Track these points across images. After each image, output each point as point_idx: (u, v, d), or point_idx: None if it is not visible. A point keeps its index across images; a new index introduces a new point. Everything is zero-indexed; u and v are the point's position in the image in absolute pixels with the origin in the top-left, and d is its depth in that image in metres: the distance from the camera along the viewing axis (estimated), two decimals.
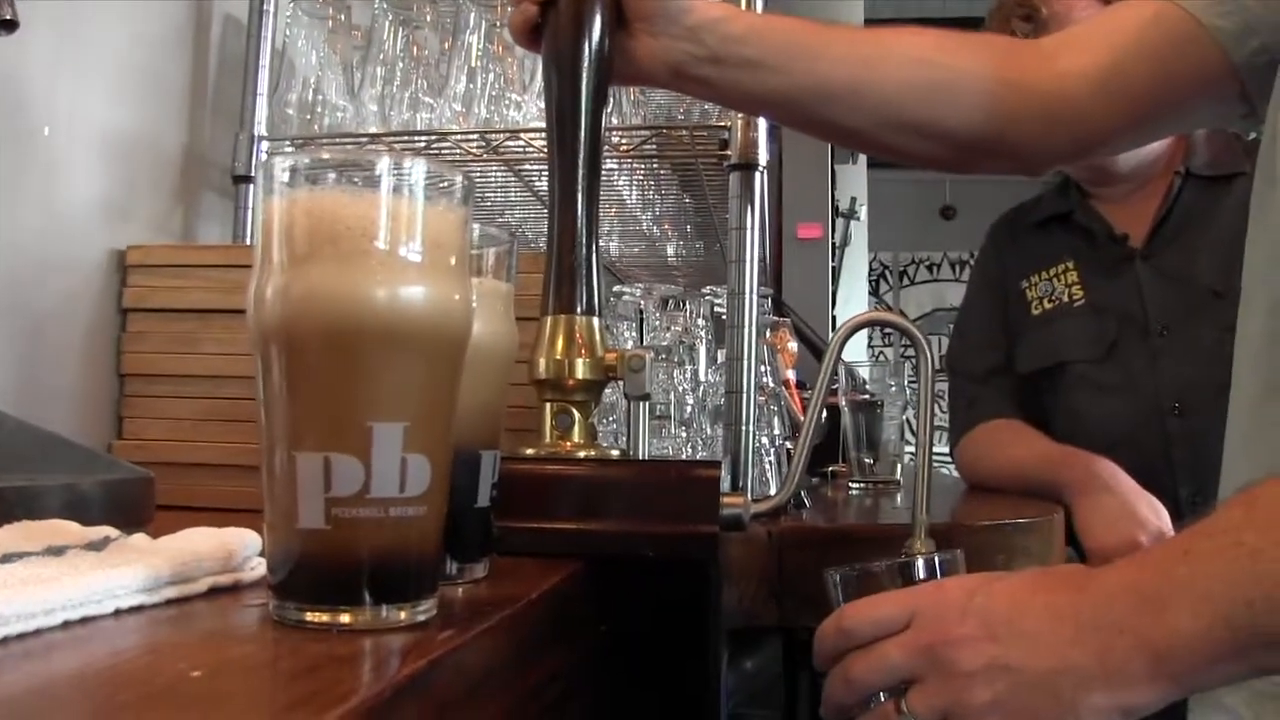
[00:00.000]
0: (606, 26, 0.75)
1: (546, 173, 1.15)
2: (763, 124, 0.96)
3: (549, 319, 0.71)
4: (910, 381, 1.37)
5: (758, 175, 0.95)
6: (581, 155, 0.73)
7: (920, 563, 0.64)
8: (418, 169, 0.42)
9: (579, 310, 0.70)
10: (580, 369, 0.69)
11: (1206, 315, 1.25)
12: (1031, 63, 0.80)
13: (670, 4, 0.75)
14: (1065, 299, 1.37)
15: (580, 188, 0.72)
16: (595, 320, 0.71)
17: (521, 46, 0.79)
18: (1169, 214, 1.32)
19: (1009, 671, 0.53)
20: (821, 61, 0.77)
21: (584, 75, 0.73)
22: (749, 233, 0.93)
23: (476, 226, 0.53)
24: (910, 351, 0.73)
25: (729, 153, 0.95)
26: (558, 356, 0.69)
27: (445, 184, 0.43)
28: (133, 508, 0.68)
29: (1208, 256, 1.28)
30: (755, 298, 0.93)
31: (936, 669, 0.55)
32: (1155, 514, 1.15)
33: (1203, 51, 0.73)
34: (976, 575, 0.59)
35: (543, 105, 1.04)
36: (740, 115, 0.95)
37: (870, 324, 0.75)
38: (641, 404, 0.72)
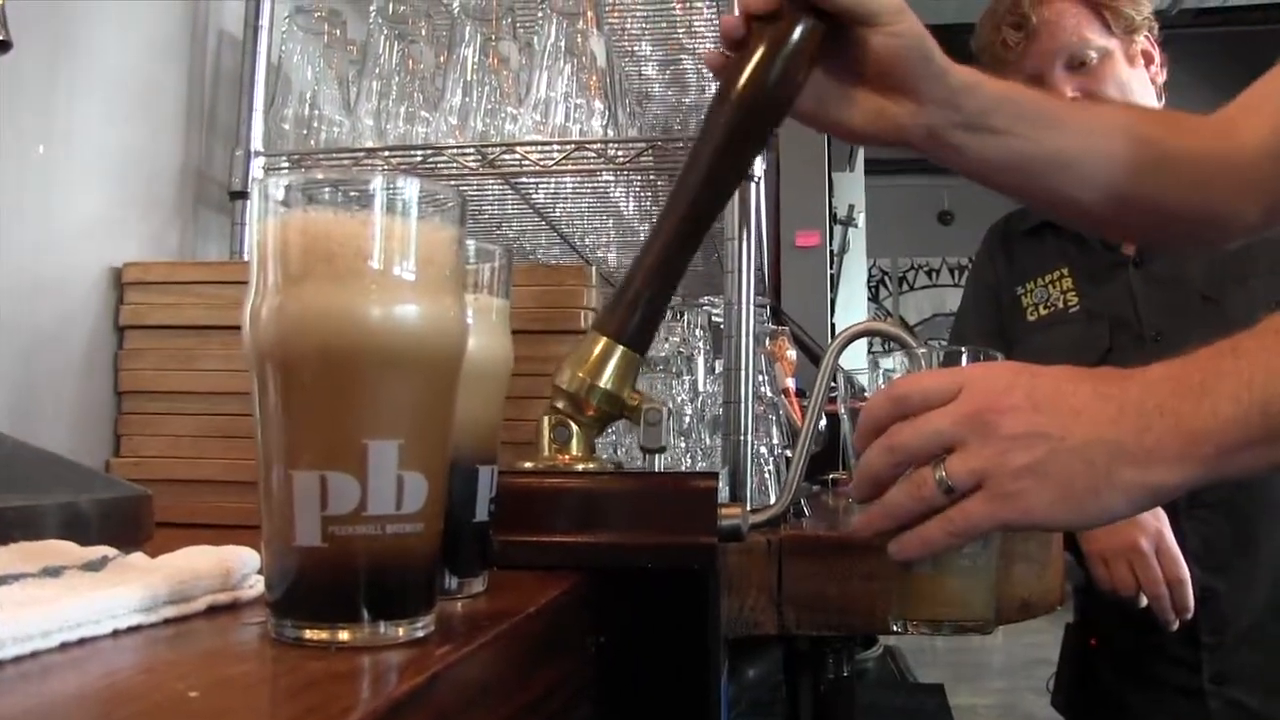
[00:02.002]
0: (790, 79, 0.72)
1: (540, 186, 1.16)
2: None
3: (594, 335, 0.70)
4: None
5: (752, 186, 0.95)
6: (700, 199, 0.71)
7: (964, 355, 0.66)
8: (411, 187, 0.42)
9: (625, 341, 0.69)
10: (599, 398, 0.69)
11: (1199, 321, 1.26)
12: (1220, 136, 0.81)
13: (933, 68, 0.74)
14: (1060, 305, 1.38)
15: (685, 228, 0.70)
16: (635, 358, 0.70)
17: (714, 75, 0.75)
18: None
19: (1049, 439, 0.55)
20: (1060, 131, 0.78)
21: (735, 124, 0.71)
22: (744, 243, 0.94)
23: (471, 242, 0.53)
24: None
25: None
26: (583, 375, 0.69)
27: (438, 201, 0.43)
28: (131, 526, 0.68)
29: (1199, 263, 1.28)
30: (752, 308, 0.93)
31: (979, 434, 0.56)
32: (1154, 515, 1.15)
33: None
34: (1021, 364, 0.61)
35: (538, 118, 1.04)
36: None
37: (865, 334, 0.75)
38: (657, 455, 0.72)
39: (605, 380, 0.69)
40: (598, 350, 0.69)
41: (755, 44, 0.71)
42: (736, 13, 0.73)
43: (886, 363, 0.68)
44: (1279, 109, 0.79)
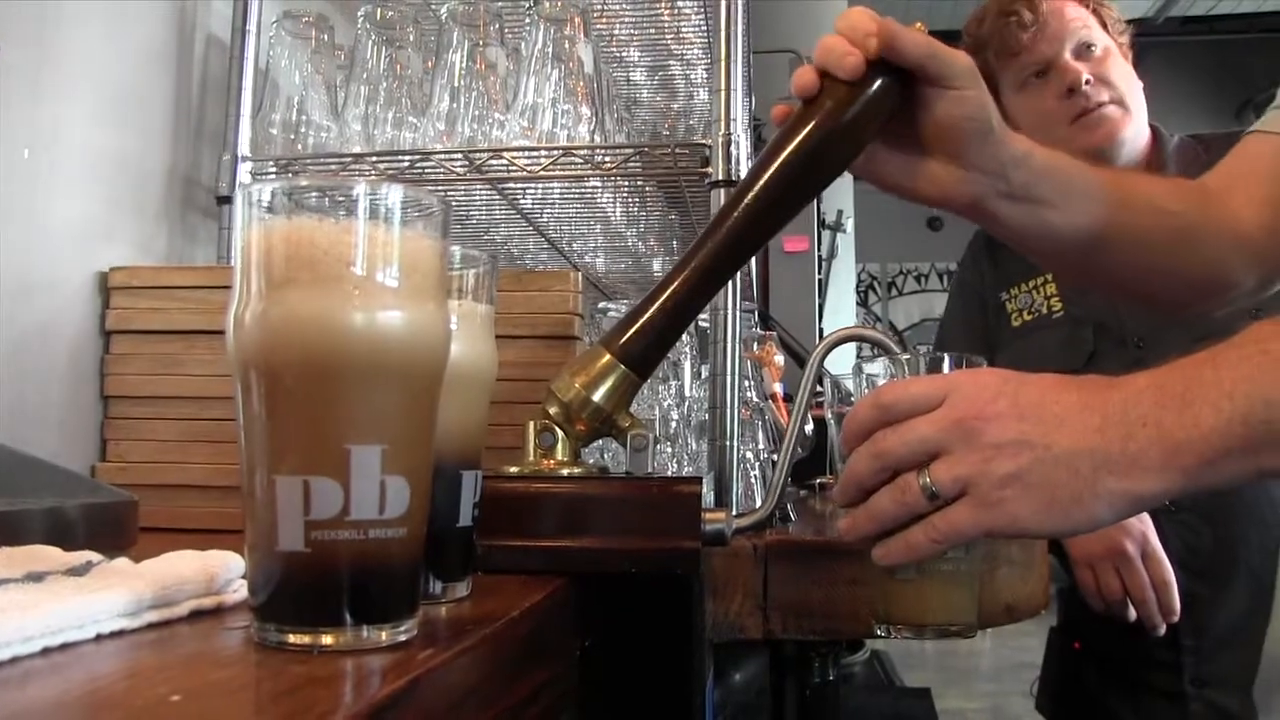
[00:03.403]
0: (856, 144, 0.72)
1: (528, 191, 1.17)
2: (744, 142, 0.97)
3: (600, 350, 0.70)
4: None
5: None
6: (731, 239, 0.70)
7: (947, 360, 0.66)
8: (394, 194, 0.42)
9: (629, 363, 0.69)
10: (591, 414, 0.69)
11: (1180, 326, 1.27)
12: (1223, 208, 0.83)
13: (991, 137, 0.73)
14: (1044, 311, 1.39)
15: (721, 265, 0.70)
16: (634, 381, 0.70)
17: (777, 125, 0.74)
18: None
19: (1033, 447, 0.55)
20: (1094, 204, 0.79)
21: (804, 176, 0.71)
22: None
23: (456, 248, 0.54)
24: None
25: (710, 170, 0.96)
26: (579, 388, 0.69)
27: (422, 208, 0.44)
28: (116, 531, 0.68)
29: None
30: (738, 314, 0.93)
31: (964, 441, 0.57)
32: (1139, 518, 1.16)
33: None
34: (1007, 370, 0.61)
35: (525, 124, 1.05)
36: (721, 133, 0.96)
37: (849, 340, 0.76)
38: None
39: (601, 396, 0.69)
40: (600, 365, 0.69)
41: (826, 99, 0.70)
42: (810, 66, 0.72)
43: (871, 368, 0.69)
44: (1260, 184, 0.82)
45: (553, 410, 0.70)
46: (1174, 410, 0.54)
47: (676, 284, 0.70)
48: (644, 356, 0.70)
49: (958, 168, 0.74)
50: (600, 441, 0.98)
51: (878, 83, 0.70)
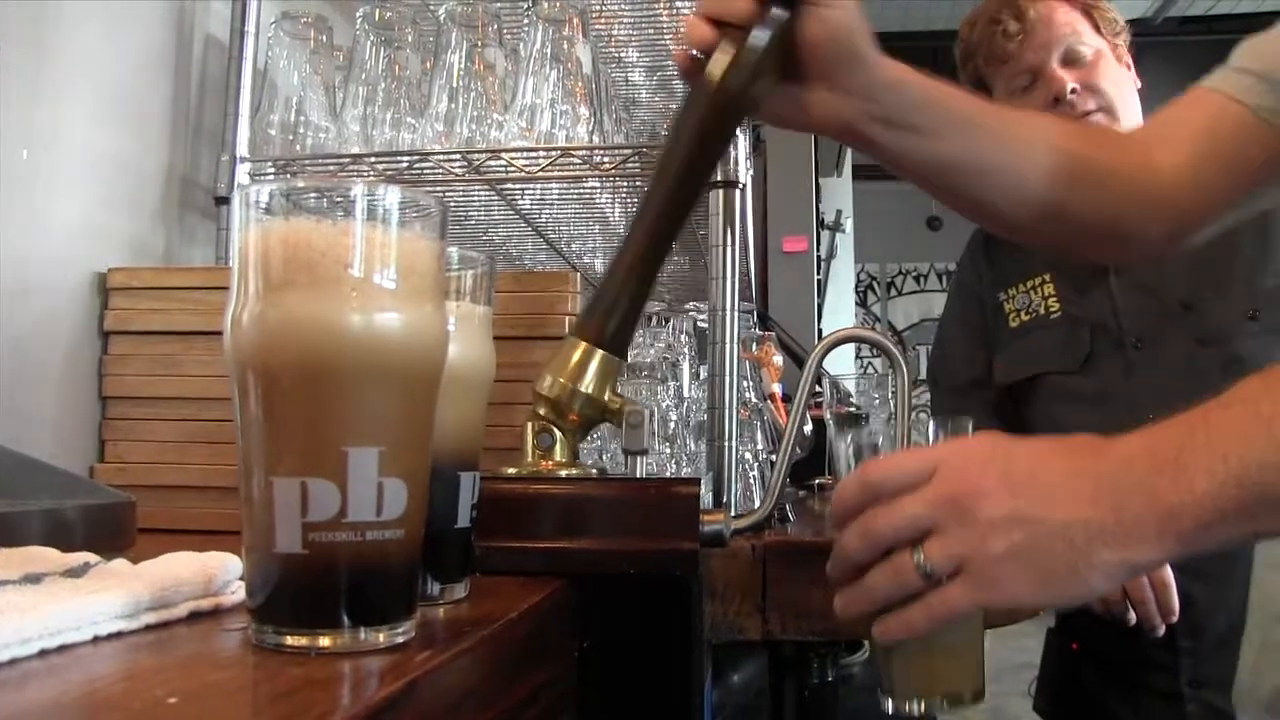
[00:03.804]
0: (754, 81, 0.72)
1: (526, 191, 1.17)
2: (743, 143, 0.97)
3: (573, 341, 0.70)
4: (894, 393, 1.38)
5: (737, 193, 0.96)
6: (674, 201, 0.71)
7: (931, 423, 0.65)
8: (392, 196, 0.42)
9: (604, 345, 0.70)
10: (581, 404, 0.69)
11: (1177, 327, 1.27)
12: (1137, 154, 0.82)
13: (857, 59, 0.74)
14: (1042, 311, 1.39)
15: (660, 232, 0.71)
16: (615, 362, 0.70)
17: (682, 79, 0.76)
18: None
19: (1027, 522, 0.55)
20: (977, 135, 0.78)
21: (708, 128, 0.72)
22: (729, 250, 0.94)
23: (454, 249, 0.54)
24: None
25: None
26: (564, 381, 0.69)
27: (420, 210, 0.44)
28: (114, 532, 0.67)
29: (1178, 271, 1.30)
30: (737, 314, 0.93)
31: (956, 518, 0.56)
32: None
33: (1261, 134, 0.77)
34: (996, 436, 0.60)
35: (523, 124, 1.05)
36: None
37: (847, 341, 0.76)
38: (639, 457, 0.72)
39: (586, 385, 0.69)
40: (577, 356, 0.69)
41: (727, 46, 0.71)
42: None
43: (855, 435, 0.67)
44: (1190, 138, 0.81)
45: (543, 411, 0.70)
46: (1167, 475, 0.53)
47: (628, 260, 0.71)
48: (616, 335, 0.70)
49: (830, 91, 0.75)
50: (599, 442, 0.99)
51: (770, 13, 0.71)
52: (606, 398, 0.70)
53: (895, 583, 0.57)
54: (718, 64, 0.71)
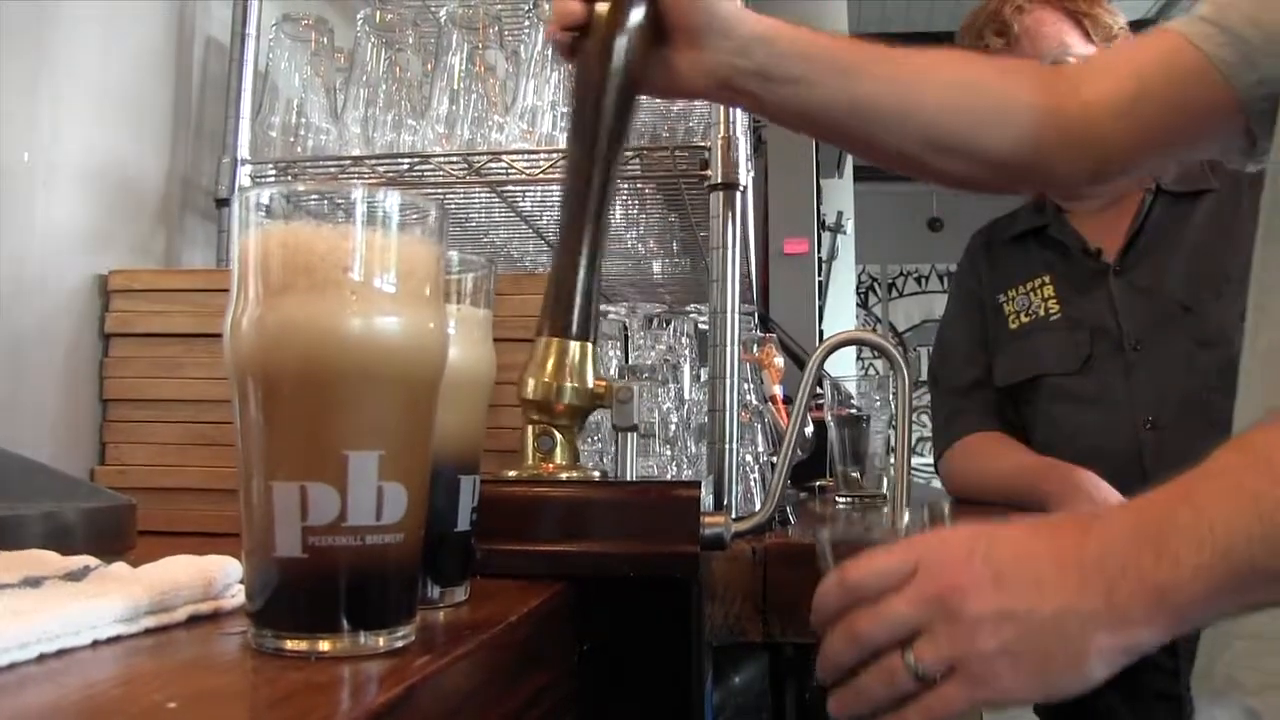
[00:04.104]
0: (637, 49, 0.74)
1: (527, 194, 1.17)
2: (743, 144, 0.97)
3: (542, 340, 0.71)
4: (895, 395, 1.37)
5: (738, 195, 0.96)
6: (595, 181, 0.72)
7: (907, 514, 0.64)
8: (392, 200, 0.42)
9: (573, 334, 0.70)
10: (568, 395, 0.69)
11: (1177, 329, 1.27)
12: (1062, 89, 0.81)
13: (718, 17, 0.75)
14: (1042, 313, 1.38)
15: (590, 213, 0.72)
16: (588, 346, 0.71)
17: (563, 62, 0.78)
18: (1141, 229, 1.34)
19: (1016, 617, 0.53)
20: (864, 80, 0.78)
21: (606, 102, 0.73)
22: (730, 252, 0.94)
23: (454, 253, 0.54)
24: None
25: (709, 172, 0.96)
26: (546, 379, 0.69)
27: (419, 214, 0.44)
28: (114, 535, 0.67)
29: (1177, 271, 1.29)
30: (738, 316, 0.93)
31: (944, 618, 0.54)
32: None
33: (1211, 83, 0.76)
34: (976, 525, 0.59)
35: (524, 126, 1.05)
36: (721, 136, 0.96)
37: (847, 343, 0.76)
38: (630, 434, 0.73)
39: (568, 377, 0.69)
40: (551, 352, 0.70)
41: (600, 23, 0.73)
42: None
43: (825, 535, 0.65)
44: (1132, 69, 0.79)
45: (534, 415, 0.70)
46: (1152, 553, 0.52)
47: (572, 247, 0.71)
48: (582, 321, 0.71)
49: (698, 52, 0.75)
50: (601, 445, 0.99)
51: None
52: (591, 383, 0.70)
53: (888, 686, 0.56)
54: (599, 41, 0.73)
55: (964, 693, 0.54)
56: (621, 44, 0.73)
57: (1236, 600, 0.53)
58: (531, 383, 0.70)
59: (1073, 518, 0.57)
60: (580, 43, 0.74)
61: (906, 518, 0.63)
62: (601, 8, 0.73)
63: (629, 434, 0.73)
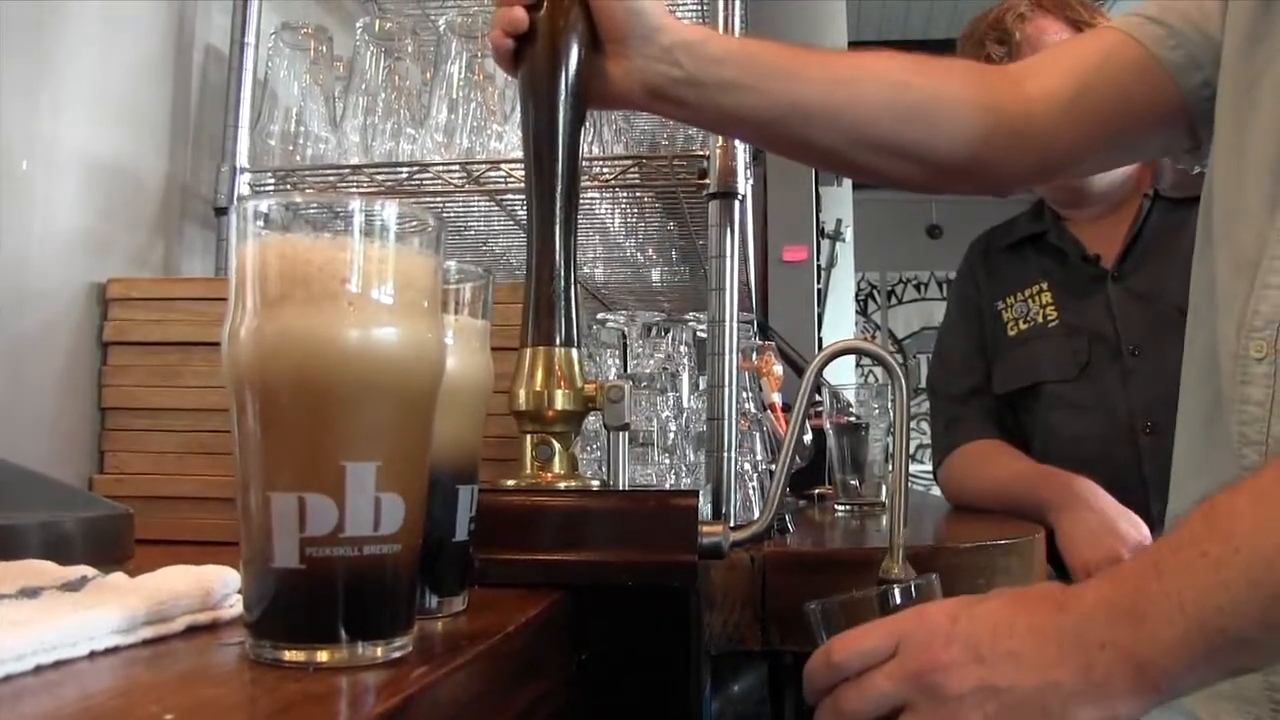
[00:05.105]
0: (582, 54, 0.74)
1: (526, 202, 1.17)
2: (741, 153, 0.97)
3: (528, 350, 0.71)
4: (893, 403, 1.37)
5: (737, 203, 0.96)
6: (559, 186, 0.73)
7: (897, 591, 0.64)
8: (389, 211, 0.42)
9: (558, 341, 0.71)
10: (559, 400, 0.69)
11: (1175, 335, 1.26)
12: (1002, 85, 0.81)
13: (644, 25, 0.75)
14: (1040, 320, 1.39)
15: (558, 218, 0.73)
16: (574, 351, 0.71)
17: (505, 72, 0.78)
18: (1139, 235, 1.34)
19: (997, 693, 0.54)
20: (797, 82, 0.78)
21: (560, 105, 0.73)
22: (729, 260, 0.94)
23: (452, 263, 0.54)
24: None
25: (708, 181, 0.96)
26: (537, 388, 0.70)
27: (416, 225, 0.44)
28: (113, 545, 0.67)
29: (1175, 277, 1.29)
30: (736, 325, 0.93)
31: (926, 695, 0.56)
32: (1135, 529, 1.16)
33: (1156, 82, 0.76)
34: (956, 599, 0.60)
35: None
36: (719, 144, 0.96)
37: (844, 353, 0.76)
38: (621, 434, 0.73)
39: (556, 383, 0.69)
40: (538, 361, 0.70)
41: (542, 28, 0.74)
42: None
43: (815, 608, 0.65)
44: (1075, 65, 0.80)
45: (528, 426, 0.70)
46: (1128, 627, 0.53)
47: (546, 257, 0.72)
48: (565, 328, 0.71)
49: (627, 60, 0.75)
50: (599, 453, 0.98)
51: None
52: (581, 388, 0.70)
53: None
54: (545, 50, 0.74)
55: None
56: (568, 49, 0.74)
57: (1219, 668, 0.53)
58: (522, 393, 0.70)
59: (1049, 591, 0.58)
60: (524, 50, 0.75)
61: (898, 596, 0.64)
62: (543, 14, 0.74)
63: (621, 435, 0.73)
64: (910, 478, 0.75)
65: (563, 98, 0.74)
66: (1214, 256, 0.71)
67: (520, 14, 0.74)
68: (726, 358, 0.92)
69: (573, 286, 0.73)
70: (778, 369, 1.40)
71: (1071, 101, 0.79)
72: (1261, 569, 0.50)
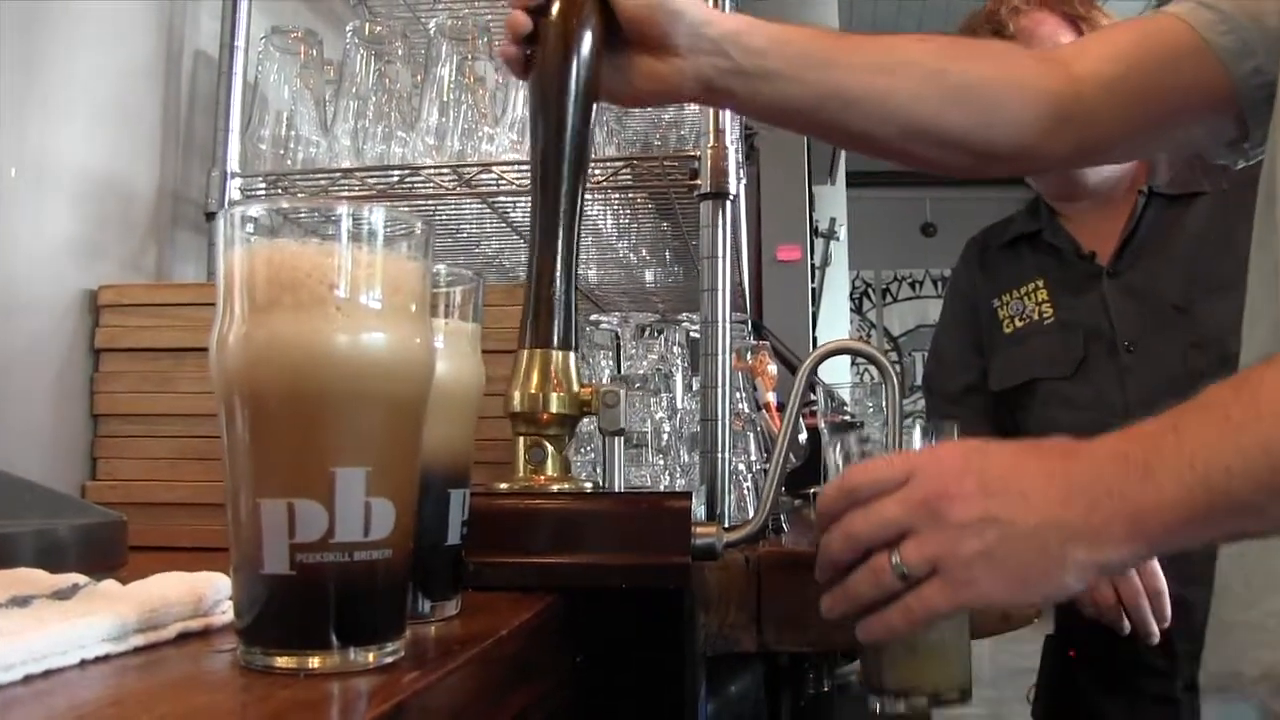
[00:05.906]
0: (592, 60, 0.74)
1: (518, 204, 1.17)
2: (733, 153, 0.97)
3: (525, 352, 0.71)
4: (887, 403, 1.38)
5: (729, 204, 0.96)
6: (564, 192, 0.72)
7: (918, 429, 0.67)
8: (377, 216, 0.42)
9: (555, 344, 0.70)
10: (554, 404, 0.69)
11: (1171, 331, 1.27)
12: (1045, 66, 0.82)
13: (687, 22, 0.75)
14: (1035, 317, 1.39)
15: (561, 223, 0.72)
16: (571, 355, 0.71)
17: (516, 77, 0.78)
18: (1134, 232, 1.34)
19: (999, 524, 0.56)
20: (838, 70, 0.78)
21: (569, 110, 0.73)
22: (721, 261, 0.94)
23: (442, 266, 0.54)
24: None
25: (700, 181, 0.96)
26: (532, 391, 0.69)
27: (404, 229, 0.44)
28: (105, 551, 0.67)
29: (1171, 273, 1.30)
30: (729, 325, 0.93)
31: (931, 521, 0.57)
32: None
33: (1206, 66, 0.76)
34: (972, 441, 0.61)
35: (514, 137, 1.05)
36: (711, 144, 0.96)
37: (836, 353, 0.76)
38: (616, 437, 0.73)
39: (552, 387, 0.69)
40: (535, 364, 0.70)
41: (548, 31, 0.73)
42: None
43: (845, 442, 0.68)
44: (1125, 45, 0.80)
45: (523, 428, 0.70)
46: (1136, 480, 0.54)
47: (548, 258, 0.72)
48: (564, 331, 0.71)
49: (670, 56, 0.75)
50: (593, 455, 0.98)
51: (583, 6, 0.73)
52: (576, 391, 0.70)
53: (874, 584, 0.59)
54: (554, 55, 0.73)
55: (944, 594, 0.57)
56: (579, 53, 0.73)
57: (1212, 529, 0.54)
58: (518, 395, 0.70)
59: (1063, 441, 0.59)
60: (533, 56, 0.75)
61: (918, 435, 0.66)
62: (552, 19, 0.73)
63: (616, 439, 0.73)
64: None
65: (571, 103, 0.73)
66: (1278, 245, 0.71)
67: (521, 18, 0.74)
68: (720, 358, 0.92)
69: (573, 290, 0.72)
70: (772, 369, 1.40)
71: (1118, 80, 0.79)
72: None
